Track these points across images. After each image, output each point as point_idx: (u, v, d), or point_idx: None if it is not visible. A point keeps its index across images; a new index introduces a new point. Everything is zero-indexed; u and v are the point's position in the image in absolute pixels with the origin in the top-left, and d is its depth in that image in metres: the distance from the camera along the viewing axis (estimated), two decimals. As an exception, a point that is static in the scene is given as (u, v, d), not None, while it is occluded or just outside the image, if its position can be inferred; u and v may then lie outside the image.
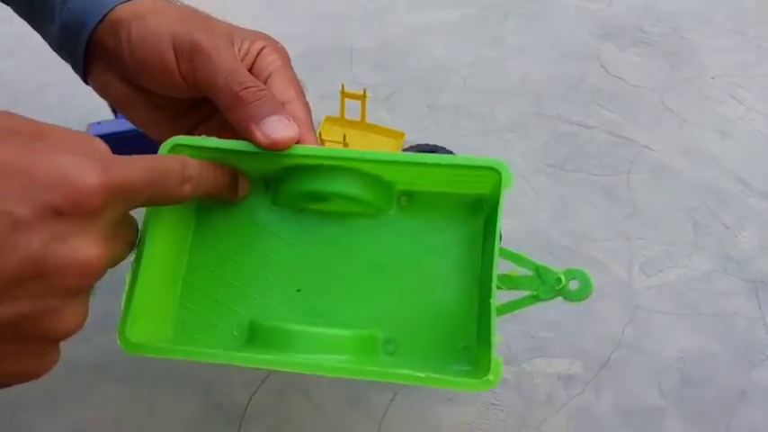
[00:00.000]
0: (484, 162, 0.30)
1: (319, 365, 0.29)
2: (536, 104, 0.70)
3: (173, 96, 0.35)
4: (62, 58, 0.37)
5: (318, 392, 0.46)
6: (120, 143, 0.55)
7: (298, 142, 0.32)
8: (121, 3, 0.34)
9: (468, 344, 0.32)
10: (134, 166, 0.25)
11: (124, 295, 0.30)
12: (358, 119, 0.64)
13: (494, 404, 0.45)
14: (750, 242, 0.57)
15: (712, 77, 0.75)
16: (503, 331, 0.50)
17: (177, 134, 0.34)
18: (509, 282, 0.32)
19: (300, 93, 0.35)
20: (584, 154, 0.65)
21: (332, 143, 0.60)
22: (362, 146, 0.63)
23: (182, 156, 0.29)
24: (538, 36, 0.80)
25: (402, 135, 0.64)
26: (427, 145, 0.61)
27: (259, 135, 0.31)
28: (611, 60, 0.77)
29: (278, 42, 0.37)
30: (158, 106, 0.36)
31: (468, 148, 0.64)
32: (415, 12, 0.83)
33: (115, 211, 0.24)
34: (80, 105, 0.66)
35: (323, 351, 0.31)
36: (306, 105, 0.34)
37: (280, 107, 0.32)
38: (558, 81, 0.73)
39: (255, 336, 0.32)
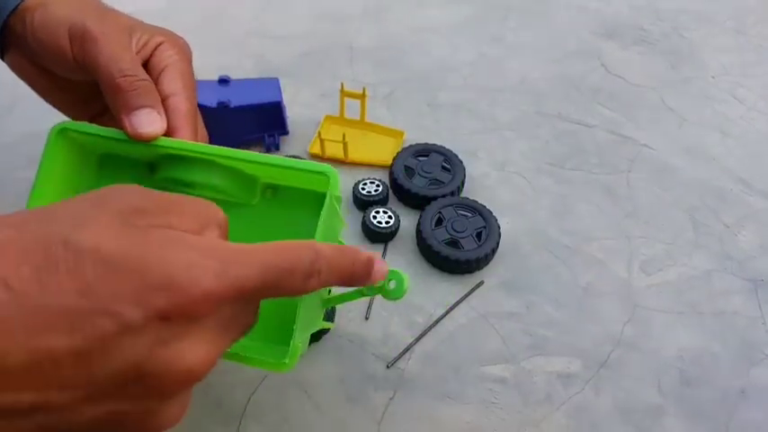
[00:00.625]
0: (316, 167, 0.34)
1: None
2: (536, 103, 0.70)
3: (71, 78, 0.37)
4: None
5: (318, 391, 0.46)
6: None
7: (169, 134, 0.34)
8: None
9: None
10: (254, 264, 0.23)
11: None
12: (357, 117, 0.64)
13: (493, 402, 0.45)
14: (750, 241, 0.57)
15: (713, 76, 0.75)
16: (502, 329, 0.50)
17: (87, 116, 0.38)
18: None
19: (189, 86, 0.36)
20: (584, 153, 0.65)
21: (331, 142, 0.60)
22: (362, 144, 0.63)
23: (313, 244, 0.26)
24: (538, 34, 0.80)
25: (401, 134, 0.64)
26: (426, 144, 0.61)
27: (126, 125, 0.33)
28: (612, 59, 0.76)
29: (180, 38, 0.38)
30: (65, 89, 0.39)
31: (468, 146, 0.64)
32: (414, 10, 0.83)
33: (230, 309, 0.24)
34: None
35: None
36: (190, 99, 0.36)
37: (154, 100, 0.34)
38: (558, 80, 0.73)
39: None
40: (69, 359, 0.20)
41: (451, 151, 0.60)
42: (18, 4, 0.36)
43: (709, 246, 0.56)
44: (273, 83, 0.60)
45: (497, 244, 0.53)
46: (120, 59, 0.33)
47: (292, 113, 0.65)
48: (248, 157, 0.34)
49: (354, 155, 0.61)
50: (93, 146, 0.38)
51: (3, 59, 0.40)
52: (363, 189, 0.57)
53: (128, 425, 0.23)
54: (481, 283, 0.52)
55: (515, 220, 0.57)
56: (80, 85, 0.38)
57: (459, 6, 0.84)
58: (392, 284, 0.33)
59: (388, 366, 0.47)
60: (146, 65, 0.36)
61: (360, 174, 0.60)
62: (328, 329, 0.47)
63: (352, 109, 0.64)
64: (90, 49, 0.34)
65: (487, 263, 0.53)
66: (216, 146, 0.34)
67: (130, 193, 0.24)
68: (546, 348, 0.49)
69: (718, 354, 0.49)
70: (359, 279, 0.30)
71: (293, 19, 0.80)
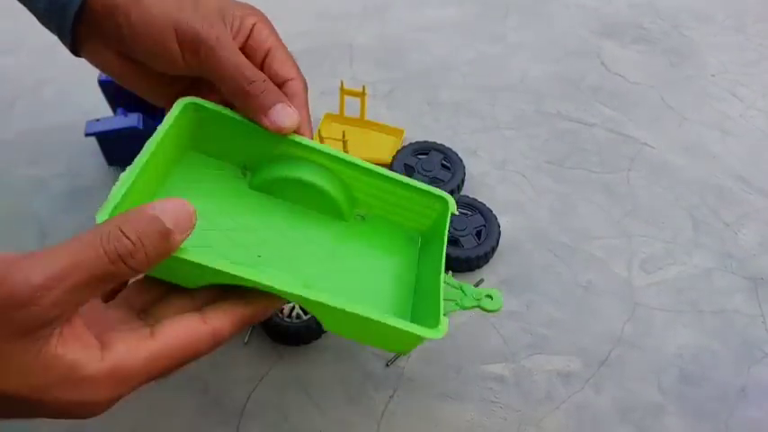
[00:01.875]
0: (434, 191, 0.38)
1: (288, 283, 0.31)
2: (536, 102, 0.70)
3: (168, 73, 0.37)
4: (48, 28, 0.38)
5: (318, 390, 0.46)
6: (118, 140, 0.55)
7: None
8: None
9: None
10: (142, 378, 0.28)
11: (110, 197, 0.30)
12: (357, 116, 0.64)
13: (493, 401, 0.45)
14: (750, 240, 0.57)
15: (712, 75, 0.75)
16: (502, 328, 0.50)
17: (171, 96, 0.37)
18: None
19: (297, 69, 0.38)
20: (584, 151, 0.65)
21: (331, 140, 0.60)
22: (362, 142, 0.62)
23: (214, 332, 0.30)
24: (538, 33, 0.80)
25: (401, 132, 0.64)
26: (426, 143, 0.61)
27: (267, 123, 0.35)
28: (612, 58, 0.76)
29: (265, 15, 0.39)
30: (155, 75, 0.38)
31: (468, 145, 0.64)
32: (414, 9, 0.83)
33: None
34: (79, 102, 0.66)
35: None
36: (303, 80, 0.39)
37: (281, 95, 0.36)
38: (558, 78, 0.73)
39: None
40: None
41: (451, 149, 0.60)
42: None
43: (710, 244, 0.56)
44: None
45: (497, 242, 0.53)
46: (241, 66, 0.35)
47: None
48: (370, 168, 0.38)
49: (354, 153, 0.61)
50: (209, 135, 0.37)
51: (76, 53, 0.38)
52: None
53: None
54: (481, 281, 0.52)
55: (515, 218, 0.57)
56: (170, 75, 0.38)
57: (459, 5, 0.84)
58: (488, 301, 0.36)
59: (387, 365, 0.47)
60: (243, 48, 0.37)
61: (359, 172, 0.60)
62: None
63: (351, 107, 0.64)
64: (208, 58, 0.35)
65: (487, 261, 0.53)
66: (337, 151, 0.38)
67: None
68: (546, 347, 0.49)
69: (718, 352, 0.49)
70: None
71: (293, 17, 0.80)
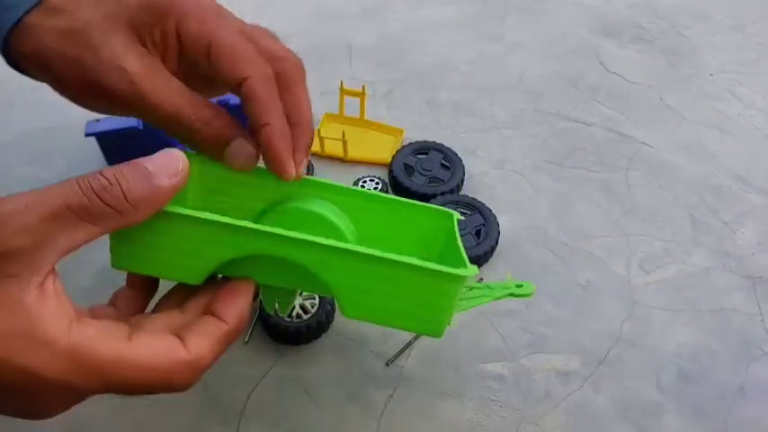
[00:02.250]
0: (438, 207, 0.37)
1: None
2: (535, 101, 0.70)
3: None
4: None
5: (317, 389, 0.46)
6: (118, 140, 0.55)
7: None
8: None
9: None
10: (104, 381, 0.25)
11: None
12: (357, 115, 0.64)
13: (492, 400, 0.46)
14: (748, 239, 0.57)
15: (711, 74, 0.75)
16: (501, 326, 0.50)
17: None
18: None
19: (255, 57, 0.32)
20: (582, 150, 0.65)
21: (331, 140, 0.60)
22: (361, 142, 0.63)
23: (196, 362, 0.28)
24: (537, 33, 0.80)
25: (401, 132, 0.64)
26: (426, 142, 0.61)
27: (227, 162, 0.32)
28: (610, 57, 0.77)
29: (193, 1, 0.32)
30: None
31: (468, 144, 0.64)
32: (413, 8, 0.83)
33: None
34: (79, 102, 0.65)
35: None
36: (264, 71, 0.32)
37: (233, 129, 0.32)
38: (556, 78, 0.73)
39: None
40: None
41: (451, 149, 0.60)
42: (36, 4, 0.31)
43: (708, 243, 0.57)
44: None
45: (496, 242, 0.53)
46: (179, 108, 0.30)
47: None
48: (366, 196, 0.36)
49: (354, 153, 0.61)
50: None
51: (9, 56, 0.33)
52: (363, 187, 0.57)
53: None
54: (480, 280, 0.52)
55: (514, 217, 0.57)
56: None
57: (458, 5, 0.84)
58: (518, 289, 0.36)
59: (387, 364, 0.47)
60: (179, 56, 0.32)
61: (359, 172, 0.60)
62: None
63: (351, 107, 0.64)
64: (134, 110, 0.31)
65: (487, 260, 0.53)
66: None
67: None
68: (545, 346, 0.49)
69: (716, 351, 0.49)
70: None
71: (293, 17, 0.80)
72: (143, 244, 0.29)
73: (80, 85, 0.31)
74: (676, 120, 0.69)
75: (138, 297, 0.32)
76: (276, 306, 0.35)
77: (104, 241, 0.29)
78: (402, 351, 0.48)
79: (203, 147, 0.31)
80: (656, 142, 0.66)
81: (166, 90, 0.30)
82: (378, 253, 0.29)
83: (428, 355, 0.48)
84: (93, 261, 0.52)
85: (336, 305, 0.33)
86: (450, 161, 0.59)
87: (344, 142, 0.59)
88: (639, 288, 0.53)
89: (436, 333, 0.31)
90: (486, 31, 0.80)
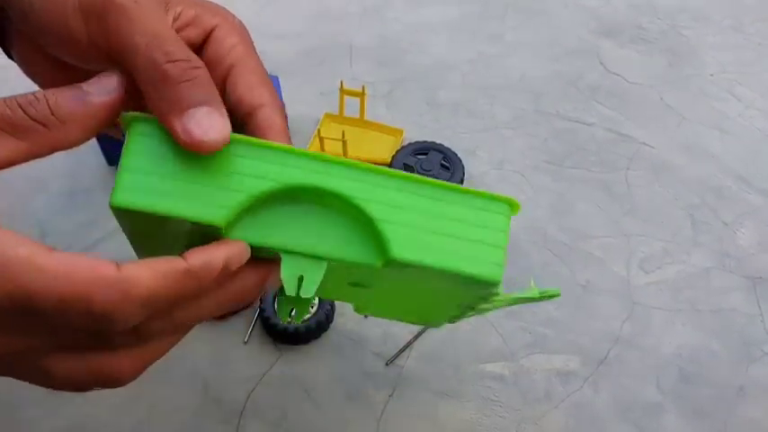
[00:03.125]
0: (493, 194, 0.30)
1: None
2: (535, 101, 0.70)
3: (85, 68, 0.27)
4: None
5: (317, 389, 0.46)
6: (118, 140, 0.55)
7: None
8: None
9: None
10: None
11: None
12: (357, 116, 0.64)
13: (492, 400, 0.46)
14: (749, 239, 0.57)
15: (711, 74, 0.75)
16: (501, 327, 0.50)
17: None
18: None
19: (273, 93, 0.28)
20: (582, 151, 0.65)
21: (331, 140, 0.60)
22: (361, 142, 0.63)
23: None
24: (537, 33, 0.80)
25: (401, 132, 0.64)
26: (425, 142, 0.61)
27: (178, 129, 0.24)
28: (610, 57, 0.76)
29: (234, 17, 0.29)
30: (66, 70, 0.29)
31: (467, 144, 0.64)
32: (413, 8, 0.83)
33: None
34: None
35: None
36: (282, 109, 0.28)
37: (215, 95, 0.25)
38: (556, 78, 0.73)
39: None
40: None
41: (450, 149, 0.60)
42: None
43: (708, 243, 0.57)
44: (273, 81, 0.60)
45: (496, 242, 0.53)
46: (161, 37, 0.25)
47: (292, 111, 0.64)
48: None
49: (354, 153, 0.61)
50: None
51: (9, 51, 0.31)
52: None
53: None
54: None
55: (514, 218, 0.57)
56: (82, 71, 0.29)
57: (458, 5, 0.84)
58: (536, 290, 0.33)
59: (387, 364, 0.47)
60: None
61: (359, 172, 0.60)
62: None
63: (351, 107, 0.64)
64: (117, 25, 0.25)
65: (486, 261, 0.53)
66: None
67: None
68: (545, 346, 0.49)
69: (716, 351, 0.49)
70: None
71: (293, 17, 0.80)
72: (161, 175, 0.24)
73: (64, 2, 0.26)
74: (676, 120, 0.69)
75: None
76: (292, 313, 0.32)
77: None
78: (402, 351, 0.48)
79: (166, 95, 0.24)
80: (656, 142, 0.66)
81: (159, 20, 0.26)
82: (429, 180, 0.27)
83: (428, 355, 0.48)
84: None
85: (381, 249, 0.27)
86: (449, 161, 0.59)
87: (344, 142, 0.59)
88: (639, 288, 0.53)
89: (494, 276, 0.28)
90: (486, 31, 0.80)
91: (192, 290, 0.23)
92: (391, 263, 0.26)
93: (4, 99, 0.23)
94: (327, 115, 0.65)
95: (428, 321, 0.34)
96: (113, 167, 0.59)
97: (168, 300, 0.23)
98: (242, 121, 0.28)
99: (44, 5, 0.26)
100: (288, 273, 0.26)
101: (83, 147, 0.50)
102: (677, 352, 0.49)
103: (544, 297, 0.32)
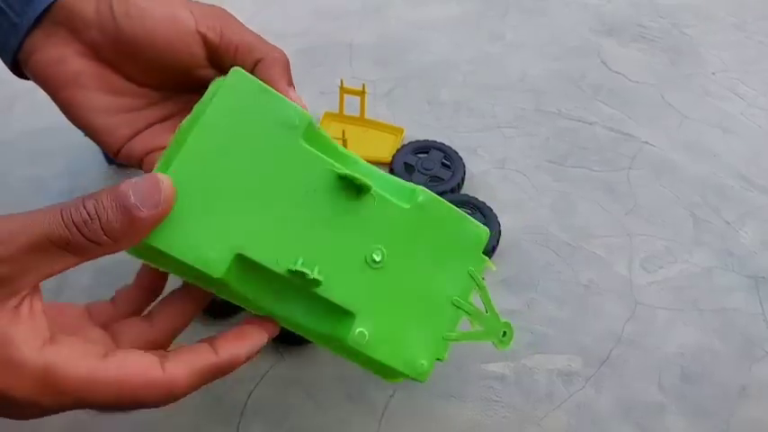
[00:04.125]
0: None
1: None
2: (536, 100, 0.70)
3: (158, 65, 0.34)
4: None
5: (318, 389, 0.46)
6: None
7: None
8: None
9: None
10: (75, 398, 0.26)
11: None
12: (357, 114, 0.64)
13: (494, 400, 0.45)
14: (751, 238, 0.57)
15: (713, 73, 0.75)
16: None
17: (124, 129, 0.35)
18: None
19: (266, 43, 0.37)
20: (584, 150, 0.64)
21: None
22: (361, 141, 0.62)
23: (170, 385, 0.28)
24: (538, 32, 0.80)
25: (401, 131, 0.64)
26: (426, 141, 0.61)
27: (294, 97, 0.33)
28: (612, 56, 0.76)
29: (279, 51, 0.37)
30: (116, 91, 0.35)
31: (468, 143, 0.64)
32: (414, 7, 0.83)
33: None
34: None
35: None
36: (279, 51, 0.37)
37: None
38: (558, 77, 0.73)
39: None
40: None
41: (451, 148, 0.60)
42: None
43: (711, 243, 0.56)
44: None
45: (497, 241, 0.53)
46: (262, 39, 0.35)
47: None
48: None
49: (354, 151, 0.61)
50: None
51: (15, 58, 0.34)
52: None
53: None
54: (482, 280, 0.52)
55: (515, 217, 0.57)
56: (137, 93, 0.36)
57: (458, 3, 0.83)
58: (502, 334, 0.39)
59: (388, 364, 0.47)
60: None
61: (360, 171, 0.60)
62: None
63: (351, 106, 0.63)
64: (231, 32, 0.34)
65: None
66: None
67: None
68: (547, 346, 0.49)
69: (719, 351, 0.49)
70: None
71: (292, 16, 0.79)
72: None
73: (172, 5, 0.34)
74: (678, 119, 0.69)
75: (140, 298, 0.32)
76: None
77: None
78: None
79: (281, 72, 0.36)
80: (658, 141, 0.66)
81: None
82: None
83: (429, 356, 0.48)
84: (94, 261, 0.51)
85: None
86: (450, 160, 0.59)
87: (345, 141, 0.59)
88: (641, 288, 0.53)
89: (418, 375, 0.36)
90: (488, 29, 0.80)
91: (215, 377, 0.29)
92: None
93: (62, 214, 0.25)
94: (328, 114, 0.65)
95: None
96: (113, 167, 0.59)
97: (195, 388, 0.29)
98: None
99: (151, 6, 0.33)
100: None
101: (82, 146, 0.50)
102: (679, 351, 0.49)
103: (498, 342, 0.38)
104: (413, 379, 0.35)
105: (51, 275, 0.26)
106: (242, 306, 0.33)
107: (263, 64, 0.34)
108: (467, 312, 0.37)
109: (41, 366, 0.24)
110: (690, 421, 0.45)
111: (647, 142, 0.66)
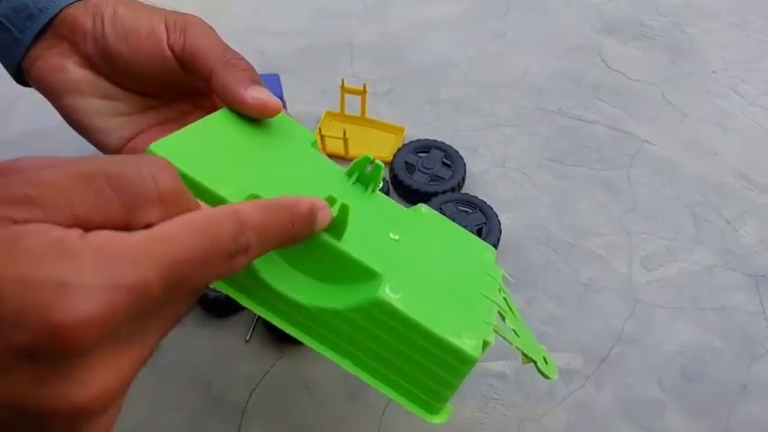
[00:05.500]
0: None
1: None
2: (537, 99, 0.70)
3: (142, 77, 0.35)
4: None
5: (319, 387, 0.46)
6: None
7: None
8: None
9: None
10: (153, 263, 0.18)
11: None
12: (358, 114, 0.64)
13: (494, 398, 0.45)
14: (751, 236, 0.57)
15: (713, 72, 0.75)
16: (503, 325, 0.50)
17: (122, 132, 0.36)
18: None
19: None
20: (584, 148, 0.65)
21: (332, 138, 0.60)
22: (362, 140, 0.62)
23: (236, 212, 0.21)
24: (539, 30, 0.80)
25: (402, 130, 0.64)
26: (427, 140, 0.61)
27: (248, 97, 0.32)
28: (612, 54, 0.76)
29: (199, 19, 0.38)
30: (113, 98, 0.36)
31: (469, 142, 0.64)
32: (414, 6, 0.83)
33: (128, 326, 0.19)
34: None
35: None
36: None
37: (264, 84, 0.34)
38: (558, 75, 0.73)
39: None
40: None
41: (452, 147, 0.60)
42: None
43: (711, 241, 0.56)
44: (274, 79, 0.60)
45: (498, 240, 0.53)
46: (226, 48, 0.34)
47: (293, 110, 0.64)
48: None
49: (355, 151, 0.61)
50: None
51: (18, 67, 0.36)
52: (364, 185, 0.57)
53: None
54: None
55: (516, 216, 0.57)
56: (133, 99, 0.37)
57: (459, 2, 0.84)
58: (540, 363, 0.33)
59: (389, 362, 0.47)
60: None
61: (360, 170, 0.60)
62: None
63: (352, 105, 0.64)
64: (195, 35, 0.34)
65: (488, 259, 0.53)
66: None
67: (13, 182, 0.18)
68: (547, 344, 0.49)
69: (719, 349, 0.49)
70: (301, 237, 0.25)
71: (294, 15, 0.80)
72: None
73: (151, 17, 0.34)
74: (679, 117, 0.69)
75: None
76: None
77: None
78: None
79: (235, 77, 0.33)
80: (658, 140, 0.66)
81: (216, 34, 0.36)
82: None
83: (429, 354, 0.48)
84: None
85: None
86: (451, 159, 0.59)
87: (345, 140, 0.59)
88: (641, 286, 0.53)
89: (430, 409, 0.30)
90: (488, 28, 0.80)
91: (282, 217, 0.24)
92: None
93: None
94: (328, 113, 0.65)
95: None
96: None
97: (276, 234, 0.23)
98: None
99: (132, 13, 0.34)
100: None
101: (83, 147, 0.50)
102: (679, 350, 0.49)
103: (541, 371, 0.33)
104: (460, 364, 0.28)
105: None
106: (247, 299, 0.29)
107: (218, 70, 0.34)
108: (500, 307, 0.33)
109: (95, 246, 0.18)
110: (689, 419, 0.45)
111: (647, 141, 0.66)
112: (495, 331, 0.31)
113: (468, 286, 0.33)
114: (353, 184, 0.35)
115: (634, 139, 0.66)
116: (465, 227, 0.53)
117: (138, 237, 0.19)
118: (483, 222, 0.54)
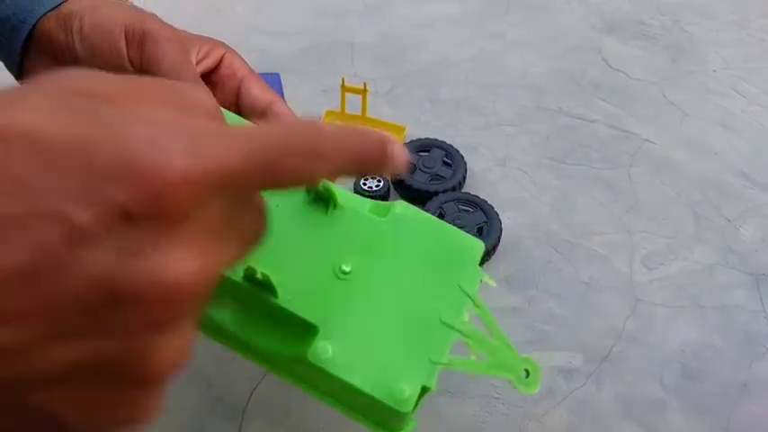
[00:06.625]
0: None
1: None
2: (537, 98, 0.70)
3: None
4: None
5: (320, 386, 0.46)
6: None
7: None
8: None
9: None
10: (238, 142, 0.17)
11: None
12: (359, 113, 0.64)
13: (495, 397, 0.45)
14: (752, 235, 0.57)
15: (714, 70, 0.75)
16: (503, 324, 0.50)
17: None
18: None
19: (278, 95, 0.39)
20: (585, 147, 0.65)
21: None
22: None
23: (316, 122, 0.22)
24: (539, 29, 0.80)
25: (403, 129, 0.64)
26: (427, 140, 0.61)
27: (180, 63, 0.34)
28: (613, 53, 0.76)
29: (233, 49, 0.40)
30: None
31: (470, 141, 0.64)
32: (415, 5, 0.83)
33: (218, 206, 0.17)
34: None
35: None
36: (286, 105, 0.39)
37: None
38: (559, 74, 0.73)
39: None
40: (10, 283, 0.14)
41: (452, 146, 0.60)
42: (55, 7, 0.35)
43: (711, 240, 0.56)
44: (274, 78, 0.60)
45: (499, 239, 0.53)
46: (184, 67, 0.34)
47: (293, 109, 0.64)
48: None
49: (355, 150, 0.61)
50: None
51: (19, 73, 0.37)
52: (365, 184, 0.57)
53: (114, 371, 0.17)
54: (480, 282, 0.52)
55: (517, 215, 0.57)
56: None
57: (459, 2, 0.83)
58: (525, 373, 0.32)
59: (389, 361, 0.47)
60: (212, 75, 0.38)
61: (361, 169, 0.60)
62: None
63: (353, 105, 0.64)
64: (151, 50, 0.34)
65: (488, 258, 0.53)
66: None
67: (81, 75, 0.18)
68: (548, 343, 0.49)
69: (719, 348, 0.49)
70: (373, 163, 0.23)
71: (294, 15, 0.80)
72: None
73: (111, 31, 0.34)
74: (679, 116, 0.69)
75: None
76: None
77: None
78: (404, 348, 0.47)
79: None
80: (658, 139, 0.66)
81: (182, 53, 0.35)
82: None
83: (430, 353, 0.48)
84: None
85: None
86: (451, 158, 0.59)
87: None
88: (642, 285, 0.53)
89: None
90: (488, 27, 0.80)
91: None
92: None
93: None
94: (329, 113, 0.65)
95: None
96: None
97: (351, 150, 0.21)
98: (259, 115, 0.37)
99: (95, 30, 0.34)
100: None
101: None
102: (680, 348, 0.49)
103: (519, 385, 0.33)
104: (395, 411, 0.30)
105: None
106: (222, 342, 0.33)
107: (148, 41, 0.34)
108: (461, 333, 0.33)
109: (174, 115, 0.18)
110: (690, 418, 0.45)
111: (647, 140, 0.66)
112: (449, 366, 0.32)
113: (425, 313, 0.32)
114: (312, 203, 0.32)
115: (635, 138, 0.66)
116: (465, 226, 0.53)
117: (222, 125, 0.19)
118: (484, 221, 0.54)
